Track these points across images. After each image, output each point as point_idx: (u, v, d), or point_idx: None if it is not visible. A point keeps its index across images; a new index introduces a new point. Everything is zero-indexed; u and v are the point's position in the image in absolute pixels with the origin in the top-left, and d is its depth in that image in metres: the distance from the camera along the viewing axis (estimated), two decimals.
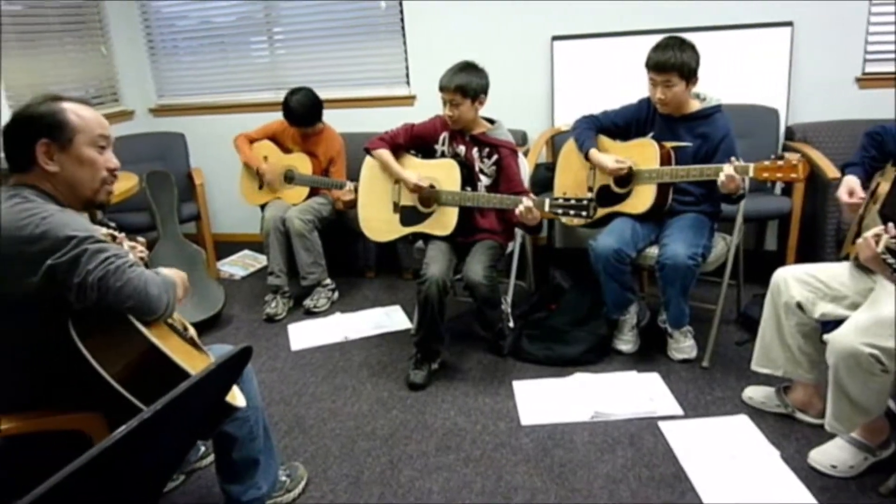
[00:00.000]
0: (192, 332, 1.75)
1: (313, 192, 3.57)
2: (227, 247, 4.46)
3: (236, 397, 1.58)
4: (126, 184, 3.27)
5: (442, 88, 2.66)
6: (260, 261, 4.22)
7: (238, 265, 4.24)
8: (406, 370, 2.76)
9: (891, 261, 1.64)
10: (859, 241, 1.74)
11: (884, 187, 2.09)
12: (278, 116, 3.57)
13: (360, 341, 3.13)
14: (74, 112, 1.52)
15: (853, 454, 2.02)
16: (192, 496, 2.14)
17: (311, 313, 3.45)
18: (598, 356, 2.80)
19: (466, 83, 2.62)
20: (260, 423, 1.86)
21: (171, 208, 3.73)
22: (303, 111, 3.44)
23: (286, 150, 3.64)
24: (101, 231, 1.57)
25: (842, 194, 2.15)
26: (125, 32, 4.50)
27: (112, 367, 1.39)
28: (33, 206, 1.43)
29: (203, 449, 2.27)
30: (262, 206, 3.59)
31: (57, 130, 1.49)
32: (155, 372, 1.43)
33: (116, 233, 1.73)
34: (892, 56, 3.48)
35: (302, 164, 3.56)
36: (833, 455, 2.04)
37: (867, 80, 3.53)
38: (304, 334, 3.22)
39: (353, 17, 4.15)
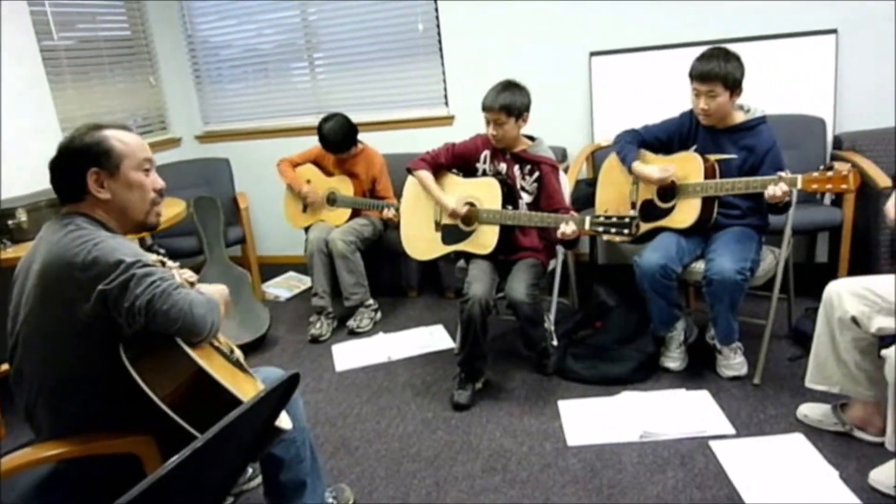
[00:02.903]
0: (238, 354, 1.77)
1: (355, 214, 3.62)
2: (271, 269, 4.53)
3: (283, 420, 1.60)
4: (174, 209, 3.35)
5: (486, 108, 2.67)
6: (304, 282, 4.28)
7: (283, 287, 4.31)
8: (450, 390, 2.75)
9: None
10: None
11: None
12: None
13: (403, 361, 3.14)
14: (118, 139, 1.57)
15: None
16: None
17: (354, 334, 3.48)
18: (646, 374, 2.76)
19: (510, 102, 2.63)
20: (306, 444, 1.87)
21: (218, 232, 3.82)
22: (337, 138, 3.51)
23: (328, 174, 3.70)
24: (151, 257, 1.62)
25: (889, 210, 2.09)
26: (172, 62, 4.66)
27: (162, 391, 1.42)
28: (86, 232, 1.48)
29: (251, 471, 2.29)
30: (306, 229, 3.65)
31: (105, 158, 1.54)
32: (203, 395, 1.46)
33: (166, 259, 1.77)
34: None
35: (344, 186, 3.62)
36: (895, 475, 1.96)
37: None
38: (349, 355, 3.25)
39: (391, 39, 4.21)
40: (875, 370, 2.08)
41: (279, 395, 1.40)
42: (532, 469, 2.25)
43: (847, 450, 2.18)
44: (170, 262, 1.82)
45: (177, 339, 1.50)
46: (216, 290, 1.72)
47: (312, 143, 3.74)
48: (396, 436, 2.53)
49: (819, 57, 3.44)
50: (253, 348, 3.35)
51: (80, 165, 1.53)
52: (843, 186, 2.32)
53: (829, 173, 2.32)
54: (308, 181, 3.71)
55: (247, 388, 1.55)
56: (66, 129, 3.82)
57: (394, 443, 2.49)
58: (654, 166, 2.69)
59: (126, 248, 1.49)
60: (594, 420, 2.49)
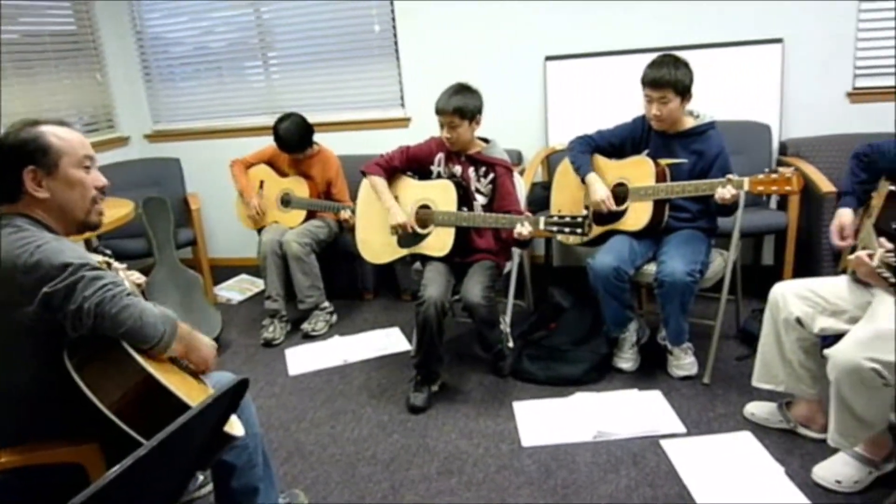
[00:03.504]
0: None
1: (310, 215, 3.57)
2: (224, 271, 4.45)
3: (234, 426, 1.56)
4: (121, 210, 3.26)
5: (439, 112, 2.67)
6: (257, 285, 4.21)
7: (235, 290, 4.23)
8: (406, 393, 2.74)
9: (887, 275, 1.64)
10: (855, 255, 1.74)
11: (877, 201, 2.10)
12: None
13: (359, 364, 3.11)
14: (55, 134, 1.50)
15: (857, 469, 2.01)
16: None
17: (309, 337, 3.43)
18: (599, 375, 2.79)
19: (463, 105, 2.64)
20: (259, 450, 1.84)
21: (168, 234, 3.73)
22: (291, 138, 3.46)
23: (282, 174, 3.65)
24: (97, 259, 1.57)
25: (833, 232, 2.16)
26: (120, 59, 4.53)
27: (108, 398, 1.38)
28: (27, 234, 1.42)
29: (201, 478, 2.24)
30: (259, 231, 3.59)
31: (42, 155, 1.47)
32: (152, 403, 1.42)
33: (112, 260, 1.72)
34: (882, 71, 3.52)
35: (298, 187, 3.57)
36: (837, 470, 2.03)
37: (858, 95, 3.56)
38: (303, 359, 3.21)
39: (347, 40, 4.18)
40: (818, 369, 2.15)
41: (227, 401, 1.37)
42: (488, 470, 2.26)
43: (792, 446, 2.25)
44: (116, 264, 1.77)
45: (125, 345, 1.45)
46: (203, 343, 1.68)
47: (266, 143, 3.68)
48: (351, 439, 2.51)
49: (765, 65, 3.54)
50: None
51: (15, 163, 1.46)
52: (788, 188, 2.39)
53: (775, 175, 2.39)
54: (262, 182, 3.65)
55: (199, 395, 1.51)
56: (7, 127, 3.68)
57: (349, 446, 2.47)
58: (604, 190, 2.73)
59: (72, 250, 1.44)
60: (549, 421, 2.51)
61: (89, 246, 2.97)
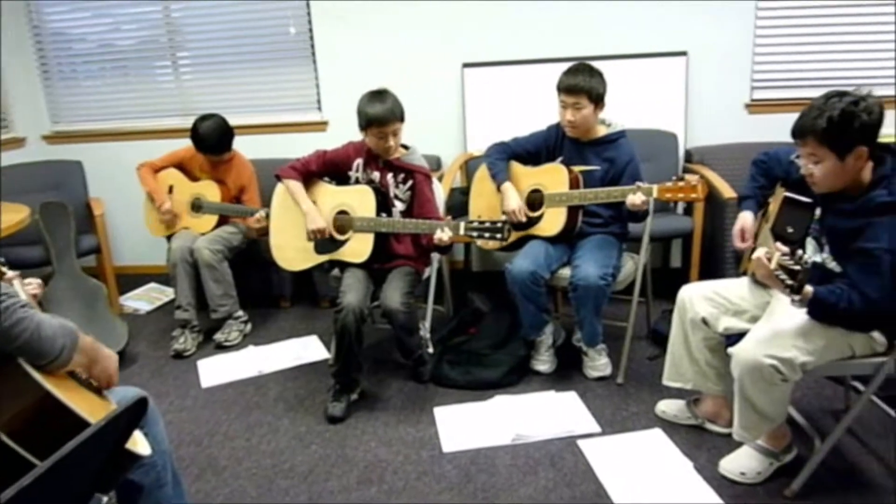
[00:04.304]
0: None
1: (223, 221, 3.45)
2: (130, 280, 4.25)
3: (139, 444, 1.49)
4: (16, 216, 3.05)
5: (381, 122, 2.59)
6: (167, 294, 4.04)
7: (143, 299, 4.04)
8: (325, 402, 2.69)
9: (783, 277, 1.73)
10: (754, 258, 1.84)
11: (773, 207, 2.23)
12: (185, 143, 3.45)
13: (275, 375, 3.03)
14: None
15: (760, 461, 2.12)
16: None
17: (222, 348, 3.31)
18: (518, 378, 2.83)
19: (401, 111, 2.64)
20: (168, 467, 1.75)
21: (68, 241, 3.51)
22: (213, 138, 3.33)
23: (194, 178, 3.51)
24: None
25: (735, 235, 2.27)
26: (16, 55, 4.25)
27: (0, 418, 1.28)
28: None
29: (105, 499, 2.12)
30: (169, 237, 3.44)
31: None
32: (49, 421, 1.32)
33: (5, 269, 1.60)
34: (777, 84, 3.76)
35: (210, 191, 3.44)
36: (742, 463, 2.13)
37: (755, 106, 3.78)
38: (216, 370, 3.09)
39: (262, 42, 4.08)
40: (723, 367, 2.25)
41: (126, 419, 1.30)
42: (408, 478, 2.24)
43: (700, 441, 2.34)
44: (10, 273, 1.66)
45: (21, 361, 1.35)
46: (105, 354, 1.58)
47: (177, 146, 3.54)
48: (268, 452, 2.44)
49: (672, 77, 3.71)
50: None
51: None
52: (693, 196, 2.50)
53: (681, 184, 2.49)
54: (171, 187, 3.50)
55: (100, 411, 1.42)
56: None
57: (265, 460, 2.39)
58: (516, 200, 2.77)
59: None
60: (469, 425, 2.52)
61: None
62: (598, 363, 2.82)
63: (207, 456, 2.43)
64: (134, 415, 1.31)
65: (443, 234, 2.48)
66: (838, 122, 1.76)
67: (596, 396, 2.68)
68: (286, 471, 2.32)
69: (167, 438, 1.78)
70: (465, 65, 3.86)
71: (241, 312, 3.44)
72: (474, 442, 2.41)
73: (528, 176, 2.85)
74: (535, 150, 2.88)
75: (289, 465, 2.35)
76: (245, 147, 3.62)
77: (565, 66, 2.72)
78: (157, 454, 1.66)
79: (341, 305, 2.52)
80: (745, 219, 2.26)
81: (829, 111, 1.77)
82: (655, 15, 3.68)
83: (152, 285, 4.22)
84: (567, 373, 2.87)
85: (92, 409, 1.38)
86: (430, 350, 2.96)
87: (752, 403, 1.97)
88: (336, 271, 2.84)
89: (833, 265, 1.93)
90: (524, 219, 2.76)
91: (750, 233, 2.26)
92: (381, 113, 2.59)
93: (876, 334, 1.93)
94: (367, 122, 2.62)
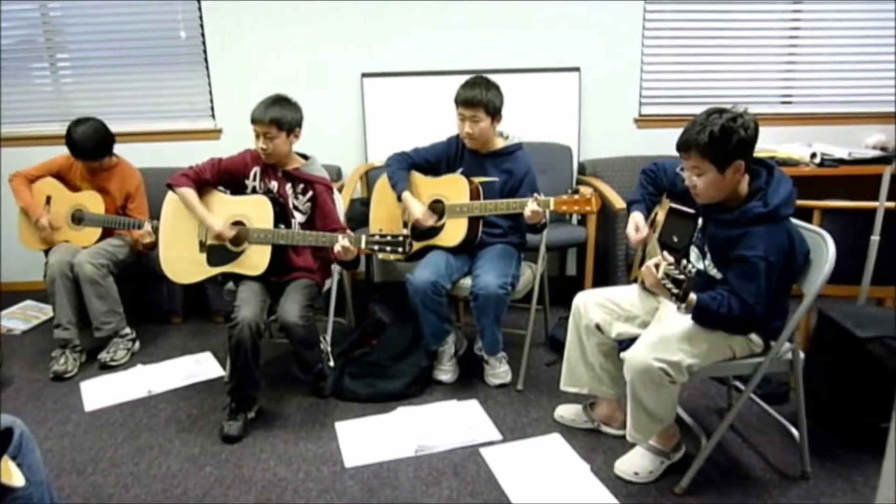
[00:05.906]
0: None
1: (107, 233, 3.25)
2: (4, 297, 3.93)
3: (12, 475, 1.37)
4: None
5: (255, 121, 2.57)
6: (45, 312, 3.76)
7: (18, 318, 3.75)
8: (220, 422, 2.57)
9: (669, 285, 1.82)
10: (644, 267, 1.92)
11: (660, 217, 2.34)
12: (65, 150, 3.22)
13: (166, 394, 2.88)
14: None
15: (651, 460, 2.21)
16: None
17: (107, 368, 3.11)
18: (421, 388, 2.82)
19: (281, 116, 2.56)
20: (45, 499, 1.62)
21: None
22: (89, 143, 3.13)
23: (74, 188, 3.29)
24: None
25: (630, 232, 2.37)
26: None
27: None
28: None
29: None
30: (46, 251, 3.20)
31: None
32: None
33: None
34: (663, 101, 3.98)
35: (93, 202, 3.23)
36: (635, 463, 2.22)
37: (644, 121, 3.98)
38: (100, 392, 2.90)
39: (150, 45, 3.91)
40: (616, 371, 2.34)
41: None
42: (309, 496, 2.18)
43: (596, 444, 2.42)
44: None
45: None
46: None
47: (55, 153, 3.31)
48: (158, 477, 2.31)
49: (566, 91, 3.84)
50: None
51: None
52: (588, 208, 2.59)
53: (576, 196, 2.58)
54: (49, 198, 3.26)
55: None
56: None
57: (155, 485, 2.26)
58: (419, 206, 2.80)
59: None
60: (372, 439, 2.49)
61: None
62: (499, 371, 2.86)
63: (91, 484, 2.27)
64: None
65: (343, 248, 2.44)
66: (719, 136, 1.88)
67: (497, 404, 2.72)
68: (178, 496, 2.20)
69: (45, 468, 1.65)
70: (364, 74, 3.84)
71: (128, 330, 3.24)
72: (377, 455, 2.38)
73: (429, 186, 2.86)
74: (435, 161, 2.91)
75: (181, 489, 2.24)
76: (132, 155, 3.42)
77: (463, 78, 2.76)
78: (32, 485, 1.53)
79: (236, 320, 2.43)
80: (637, 217, 2.35)
81: (710, 126, 1.89)
82: (550, 32, 3.81)
83: (29, 303, 3.92)
84: (469, 381, 2.90)
85: None
86: (331, 363, 2.91)
87: (644, 405, 2.05)
88: (230, 284, 2.74)
89: (714, 272, 2.05)
90: (431, 223, 2.77)
91: (643, 227, 2.35)
92: (255, 112, 2.59)
93: (754, 336, 2.07)
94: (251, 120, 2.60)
